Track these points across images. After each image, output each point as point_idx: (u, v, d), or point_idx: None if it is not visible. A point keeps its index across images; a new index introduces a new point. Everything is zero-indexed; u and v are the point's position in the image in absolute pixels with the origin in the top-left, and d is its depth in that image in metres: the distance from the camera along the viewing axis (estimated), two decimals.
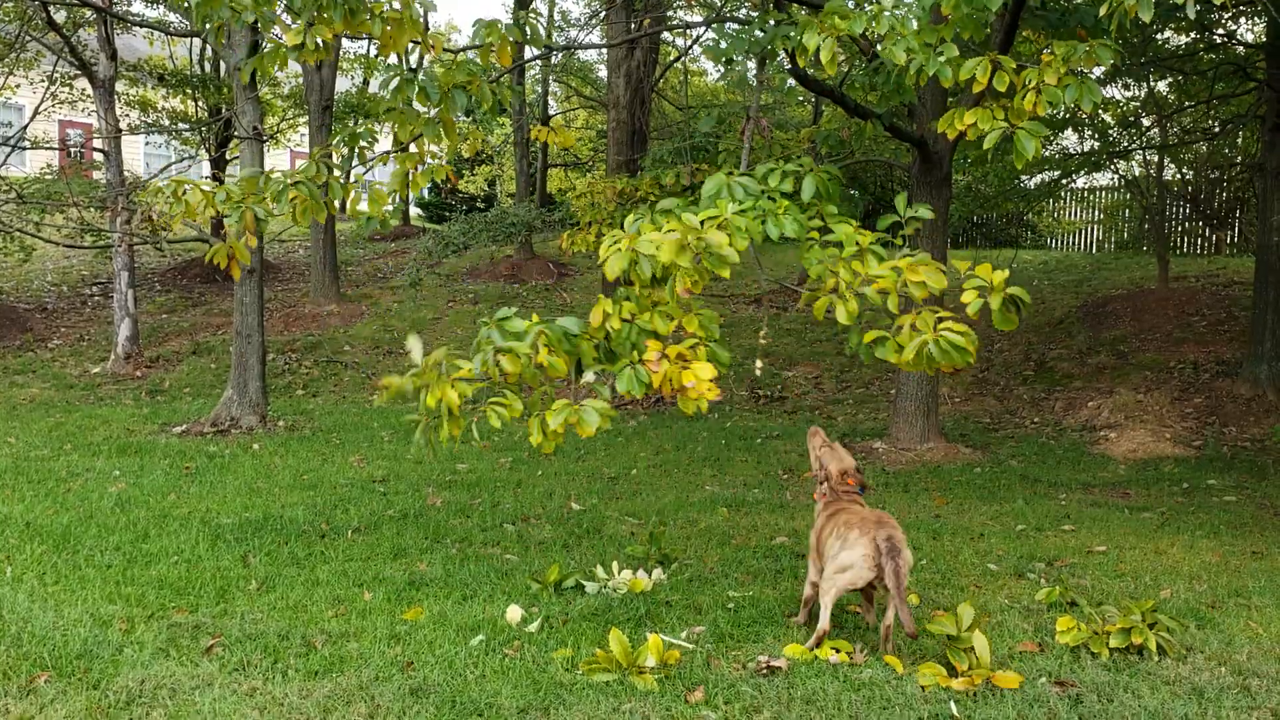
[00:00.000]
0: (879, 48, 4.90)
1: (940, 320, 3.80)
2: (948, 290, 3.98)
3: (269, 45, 5.17)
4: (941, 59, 4.62)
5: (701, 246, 3.78)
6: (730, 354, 4.43)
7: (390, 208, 6.57)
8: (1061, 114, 15.42)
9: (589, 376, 3.98)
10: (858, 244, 4.04)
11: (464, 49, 5.68)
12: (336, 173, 5.22)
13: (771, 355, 14.59)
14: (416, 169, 5.35)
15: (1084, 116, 15.49)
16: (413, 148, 5.38)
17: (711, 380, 3.84)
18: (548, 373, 3.73)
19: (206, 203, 4.60)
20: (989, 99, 5.06)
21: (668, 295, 3.91)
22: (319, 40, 4.93)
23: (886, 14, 4.69)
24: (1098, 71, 13.54)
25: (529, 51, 16.05)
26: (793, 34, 4.64)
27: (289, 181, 4.79)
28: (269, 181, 4.84)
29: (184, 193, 4.58)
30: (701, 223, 3.83)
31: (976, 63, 4.71)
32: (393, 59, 5.47)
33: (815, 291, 4.12)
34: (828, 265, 4.03)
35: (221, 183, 4.89)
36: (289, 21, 5.19)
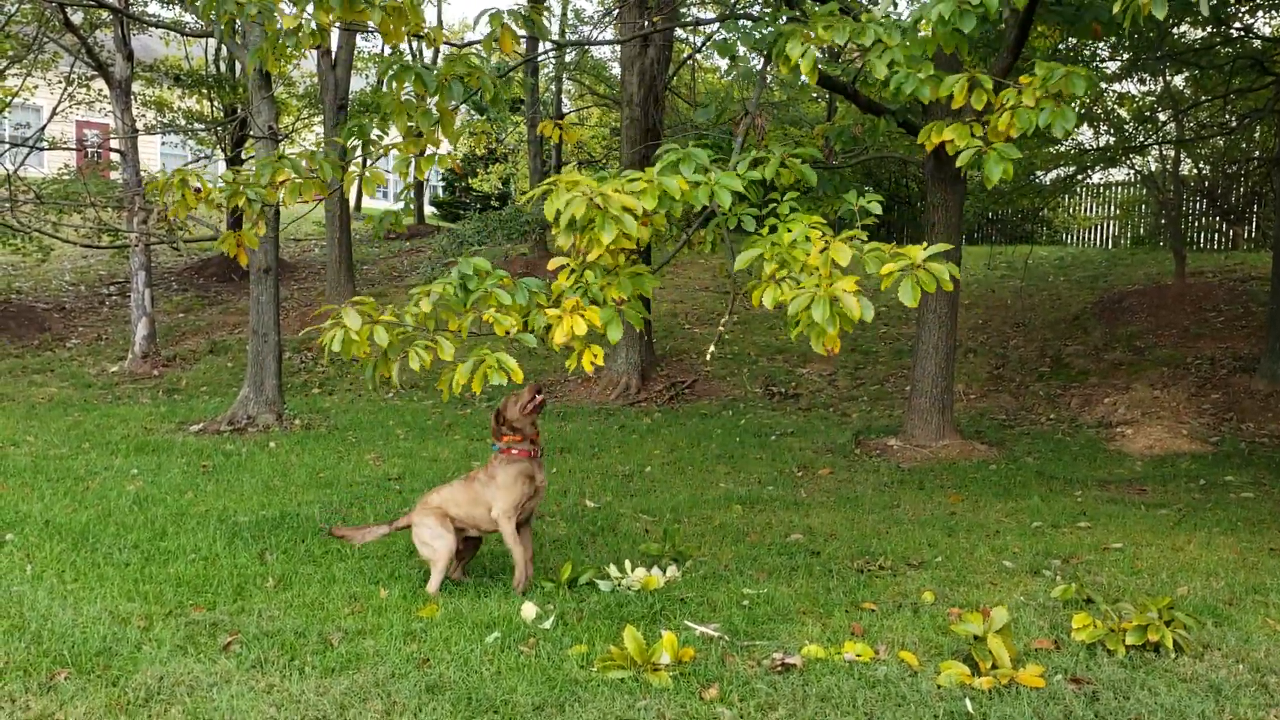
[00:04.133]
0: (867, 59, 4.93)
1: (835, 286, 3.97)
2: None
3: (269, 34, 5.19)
4: (921, 76, 4.64)
5: (604, 204, 4.05)
6: (640, 321, 4.64)
7: (400, 205, 6.61)
8: (1076, 109, 15.33)
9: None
10: (807, 236, 4.18)
11: (468, 44, 5.70)
12: (331, 153, 5.25)
13: (785, 353, 14.56)
14: (421, 154, 5.40)
15: (1099, 111, 15.41)
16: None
17: (588, 336, 4.14)
18: (495, 329, 4.03)
19: (205, 192, 4.68)
20: (969, 116, 5.09)
21: (591, 244, 4.14)
22: (315, 25, 4.93)
23: (871, 24, 4.69)
24: (1113, 66, 13.47)
25: (541, 47, 16.09)
26: (788, 37, 4.67)
27: (274, 159, 4.84)
28: (264, 168, 4.89)
29: (184, 182, 4.65)
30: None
31: (954, 81, 4.73)
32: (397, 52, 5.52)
33: (753, 281, 4.31)
34: (765, 253, 4.21)
35: None
36: (291, 11, 5.21)
